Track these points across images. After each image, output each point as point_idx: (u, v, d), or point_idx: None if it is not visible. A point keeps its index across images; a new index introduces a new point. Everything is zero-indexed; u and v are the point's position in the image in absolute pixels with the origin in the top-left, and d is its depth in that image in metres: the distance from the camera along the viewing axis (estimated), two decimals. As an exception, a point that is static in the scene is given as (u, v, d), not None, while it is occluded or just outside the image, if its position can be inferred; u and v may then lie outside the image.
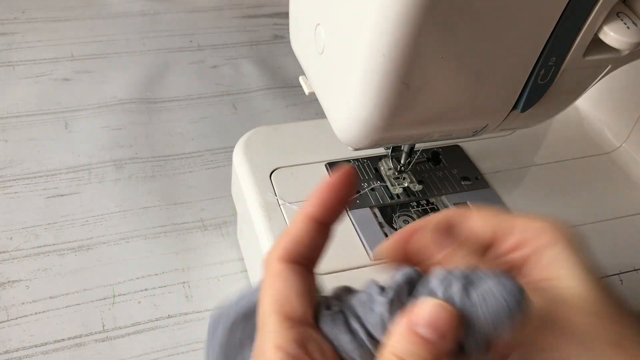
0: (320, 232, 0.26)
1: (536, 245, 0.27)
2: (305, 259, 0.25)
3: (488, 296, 0.21)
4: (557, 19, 0.30)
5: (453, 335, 0.22)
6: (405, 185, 0.46)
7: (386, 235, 0.43)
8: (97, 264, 0.51)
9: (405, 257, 0.28)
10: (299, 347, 0.23)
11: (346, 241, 0.41)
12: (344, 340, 0.23)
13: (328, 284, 0.26)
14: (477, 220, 0.28)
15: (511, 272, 0.26)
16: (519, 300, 0.21)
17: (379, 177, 0.46)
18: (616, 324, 0.25)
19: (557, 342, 0.24)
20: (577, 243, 0.27)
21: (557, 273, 0.26)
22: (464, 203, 0.46)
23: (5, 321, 0.46)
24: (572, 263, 0.26)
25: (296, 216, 0.26)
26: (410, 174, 0.47)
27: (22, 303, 0.48)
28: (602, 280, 0.26)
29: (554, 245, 0.27)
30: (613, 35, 0.30)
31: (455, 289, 0.22)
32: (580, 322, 0.24)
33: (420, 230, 0.27)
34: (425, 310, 0.22)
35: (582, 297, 0.25)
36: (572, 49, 0.31)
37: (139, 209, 0.56)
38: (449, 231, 0.27)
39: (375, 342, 0.23)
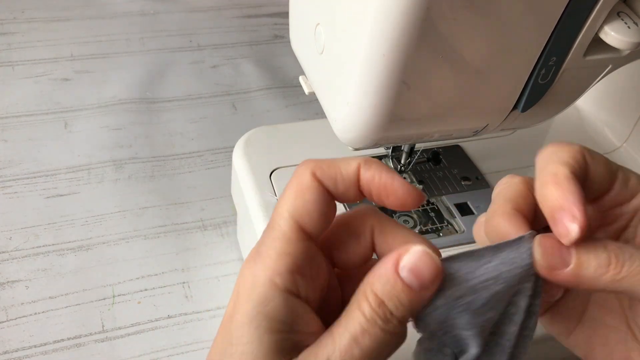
0: (357, 195, 0.25)
1: None
2: (338, 195, 0.25)
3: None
4: (558, 19, 0.30)
5: (434, 287, 0.22)
6: (406, 185, 0.46)
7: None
8: (96, 264, 0.51)
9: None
10: (294, 273, 0.24)
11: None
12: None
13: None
14: (598, 170, 0.26)
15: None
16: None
17: (379, 177, 0.46)
18: None
19: None
20: None
21: None
22: (464, 203, 0.46)
23: (5, 321, 0.46)
24: None
25: (352, 161, 0.25)
26: (411, 174, 0.47)
27: (22, 303, 0.48)
28: None
29: None
30: (614, 35, 0.30)
31: None
32: None
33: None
34: (412, 255, 0.22)
35: None
36: (573, 48, 0.31)
37: (139, 209, 0.56)
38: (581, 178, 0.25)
39: None
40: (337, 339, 0.23)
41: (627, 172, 0.27)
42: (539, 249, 0.24)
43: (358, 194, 0.25)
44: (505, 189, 0.26)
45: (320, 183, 0.25)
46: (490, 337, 0.25)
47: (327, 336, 0.23)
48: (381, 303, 0.22)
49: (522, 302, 0.24)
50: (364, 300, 0.23)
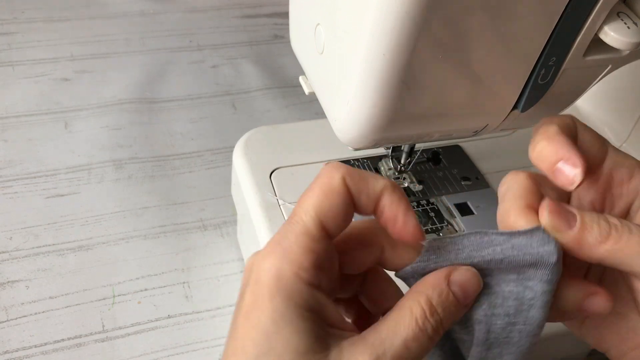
0: (372, 213, 0.26)
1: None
2: (357, 206, 0.26)
3: None
4: (558, 19, 0.30)
5: (471, 302, 0.26)
6: (406, 185, 0.46)
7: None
8: (97, 264, 0.51)
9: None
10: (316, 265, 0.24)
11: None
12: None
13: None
14: (587, 137, 0.28)
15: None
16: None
17: (379, 177, 0.46)
18: None
19: None
20: None
21: None
22: (464, 203, 0.46)
23: (5, 321, 0.46)
24: None
25: (380, 180, 0.26)
26: (411, 174, 0.47)
27: (22, 303, 0.48)
28: None
29: None
30: (613, 35, 0.30)
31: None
32: None
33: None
34: (462, 273, 0.25)
35: None
36: (573, 48, 0.31)
37: (139, 209, 0.56)
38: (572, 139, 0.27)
39: None
40: (387, 340, 0.24)
41: (623, 152, 0.28)
42: (544, 212, 0.26)
43: (373, 212, 0.27)
44: (512, 186, 0.28)
45: (348, 190, 0.25)
46: (508, 325, 0.26)
47: (373, 334, 0.24)
48: (434, 312, 0.25)
49: (538, 287, 0.26)
50: (418, 307, 0.24)
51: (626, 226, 0.25)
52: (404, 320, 0.24)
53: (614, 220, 0.25)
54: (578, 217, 0.25)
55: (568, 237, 0.25)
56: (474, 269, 0.26)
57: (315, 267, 0.25)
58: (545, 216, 0.26)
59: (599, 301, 0.27)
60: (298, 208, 0.26)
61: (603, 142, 0.28)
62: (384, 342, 0.24)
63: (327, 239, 0.25)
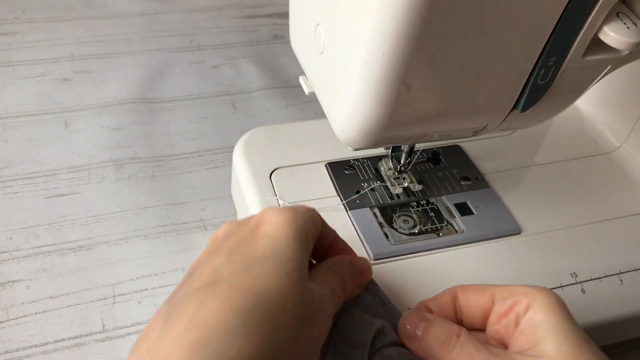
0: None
1: (517, 311, 0.30)
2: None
3: None
4: (557, 19, 0.30)
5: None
6: (405, 185, 0.46)
7: (386, 236, 0.43)
8: (97, 264, 0.51)
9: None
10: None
11: (346, 240, 0.41)
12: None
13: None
14: (472, 294, 0.32)
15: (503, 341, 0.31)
16: None
17: (379, 177, 0.47)
18: None
19: None
20: (554, 305, 0.29)
21: (536, 338, 0.28)
22: (464, 203, 0.46)
23: (5, 321, 0.46)
24: (548, 326, 0.28)
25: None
26: (410, 174, 0.47)
27: (22, 303, 0.48)
28: (581, 341, 0.27)
29: (530, 310, 0.29)
30: (613, 35, 0.30)
31: None
32: None
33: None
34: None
35: None
36: (572, 49, 0.31)
37: (139, 209, 0.56)
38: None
39: None
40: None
41: (507, 293, 0.31)
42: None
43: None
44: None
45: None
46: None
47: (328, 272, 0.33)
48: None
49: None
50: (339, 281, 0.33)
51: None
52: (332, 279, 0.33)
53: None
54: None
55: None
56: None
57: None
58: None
59: None
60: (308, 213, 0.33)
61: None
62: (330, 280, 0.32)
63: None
